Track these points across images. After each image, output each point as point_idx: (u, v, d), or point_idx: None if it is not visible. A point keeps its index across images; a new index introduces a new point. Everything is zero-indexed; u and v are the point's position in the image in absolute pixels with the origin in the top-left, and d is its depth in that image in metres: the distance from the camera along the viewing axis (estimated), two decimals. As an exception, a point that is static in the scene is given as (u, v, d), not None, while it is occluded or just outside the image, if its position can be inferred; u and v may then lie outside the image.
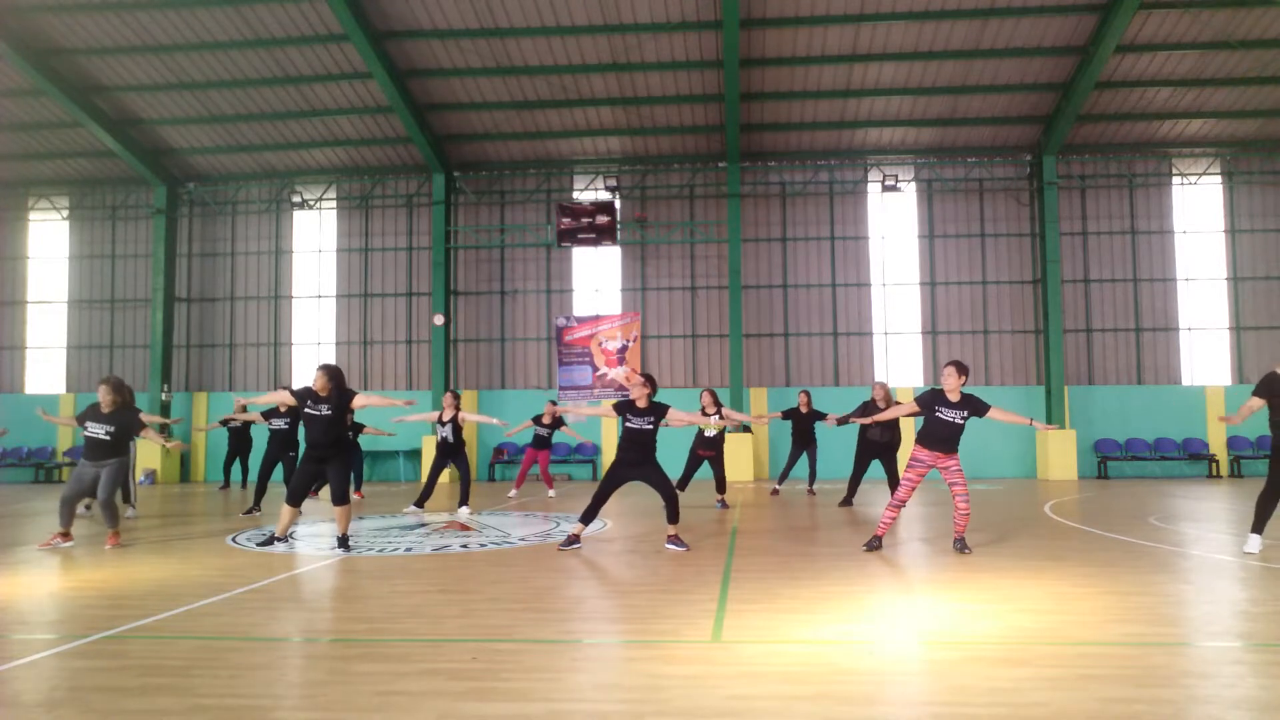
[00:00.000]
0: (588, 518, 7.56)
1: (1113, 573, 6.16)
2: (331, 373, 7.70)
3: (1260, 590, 5.57)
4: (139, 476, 18.78)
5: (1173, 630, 4.62)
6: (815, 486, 13.69)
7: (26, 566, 6.95)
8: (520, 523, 9.84)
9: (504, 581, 6.07)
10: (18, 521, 10.49)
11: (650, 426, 7.53)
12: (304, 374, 20.23)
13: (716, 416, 10.84)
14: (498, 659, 4.03)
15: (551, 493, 13.74)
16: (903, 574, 6.33)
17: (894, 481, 11.54)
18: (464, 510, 10.78)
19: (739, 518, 10.11)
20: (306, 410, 7.61)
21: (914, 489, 7.29)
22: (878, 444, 11.36)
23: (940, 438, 7.12)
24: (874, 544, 7.33)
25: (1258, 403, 6.93)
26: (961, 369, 7.14)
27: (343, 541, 7.61)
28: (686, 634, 4.48)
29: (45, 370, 20.83)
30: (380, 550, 7.65)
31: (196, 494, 15.31)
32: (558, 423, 13.23)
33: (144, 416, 8.57)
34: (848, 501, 11.52)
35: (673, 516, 7.56)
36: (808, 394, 13.15)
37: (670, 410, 7.60)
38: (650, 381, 7.69)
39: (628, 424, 7.55)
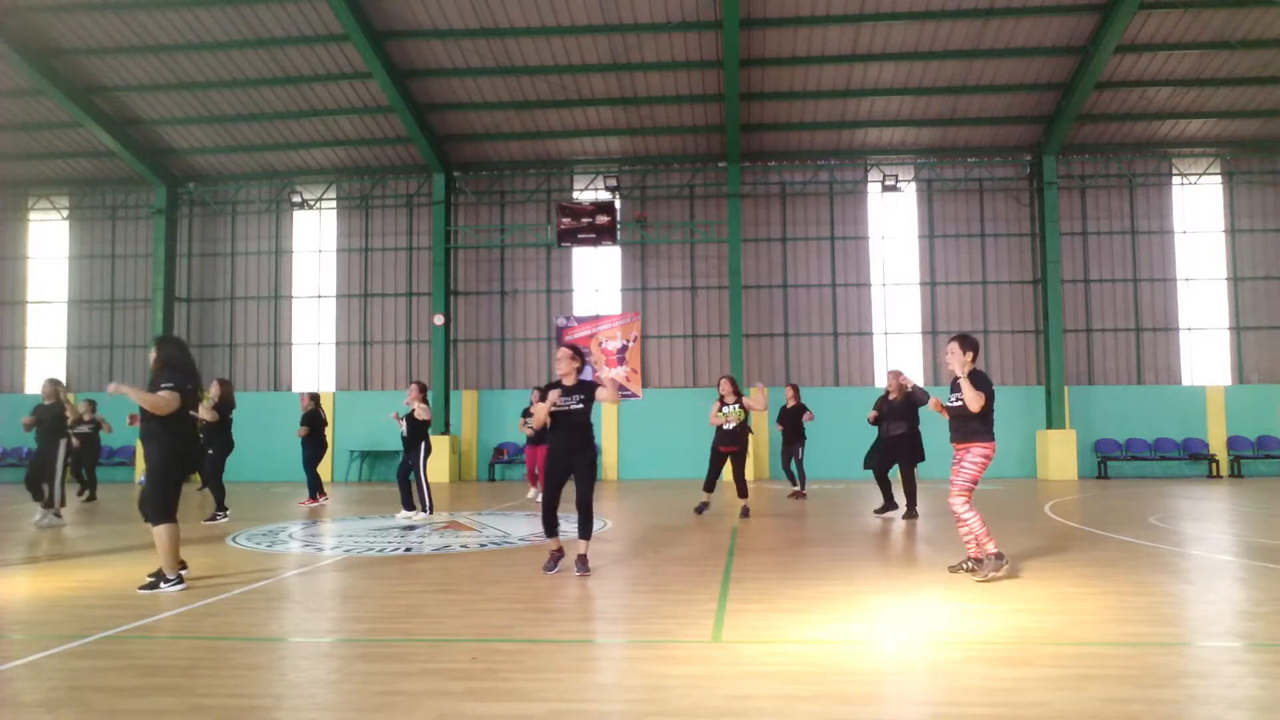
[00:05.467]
0: (550, 528, 6.52)
1: (1113, 573, 6.16)
2: (163, 343, 6.16)
3: (1260, 590, 5.57)
4: (138, 477, 18.84)
5: (1173, 630, 4.62)
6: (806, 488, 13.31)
7: (26, 566, 6.94)
8: (520, 523, 9.84)
9: (504, 581, 6.07)
10: (18, 521, 10.48)
11: (580, 406, 6.48)
12: (304, 374, 20.25)
13: (736, 406, 10.06)
14: (498, 659, 4.03)
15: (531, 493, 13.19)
16: (902, 574, 6.32)
17: (910, 490, 10.13)
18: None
19: (739, 518, 10.09)
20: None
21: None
22: (893, 440, 10.07)
23: (951, 426, 6.30)
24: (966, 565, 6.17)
25: None
26: (965, 344, 6.13)
27: (154, 583, 5.79)
28: (686, 634, 4.48)
29: (45, 370, 20.80)
30: (380, 550, 7.65)
31: (195, 494, 15.29)
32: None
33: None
34: (911, 512, 10.01)
35: (584, 531, 6.47)
36: (795, 387, 13.35)
37: (599, 389, 6.58)
38: (577, 354, 6.67)
39: (554, 408, 6.51)
